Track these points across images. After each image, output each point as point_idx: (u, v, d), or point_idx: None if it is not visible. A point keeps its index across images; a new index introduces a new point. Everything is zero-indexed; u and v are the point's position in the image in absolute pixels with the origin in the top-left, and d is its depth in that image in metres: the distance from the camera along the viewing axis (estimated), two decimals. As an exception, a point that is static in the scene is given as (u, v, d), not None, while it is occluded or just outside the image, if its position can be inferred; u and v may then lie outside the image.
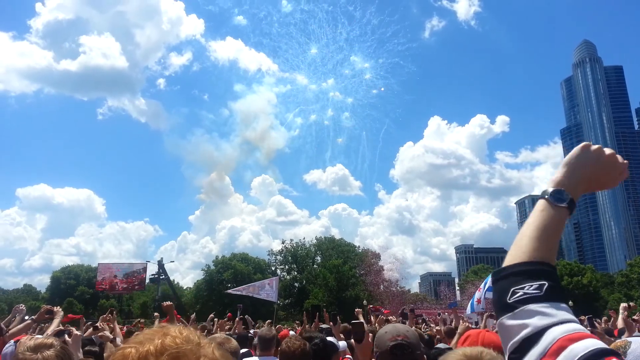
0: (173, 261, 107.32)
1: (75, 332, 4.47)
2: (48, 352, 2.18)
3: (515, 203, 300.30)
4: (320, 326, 8.37)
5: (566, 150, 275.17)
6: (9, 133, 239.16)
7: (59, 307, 5.49)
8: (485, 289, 15.65)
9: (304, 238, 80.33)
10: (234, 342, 3.40)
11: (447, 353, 1.58)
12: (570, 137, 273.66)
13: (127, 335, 8.50)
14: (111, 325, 6.49)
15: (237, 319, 12.82)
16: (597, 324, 8.78)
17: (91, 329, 7.51)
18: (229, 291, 26.67)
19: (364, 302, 50.36)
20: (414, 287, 75.01)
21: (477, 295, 16.42)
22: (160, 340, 1.00)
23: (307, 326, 9.42)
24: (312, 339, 4.39)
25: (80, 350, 4.39)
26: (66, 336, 4.11)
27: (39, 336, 3.83)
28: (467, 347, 1.57)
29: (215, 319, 13.81)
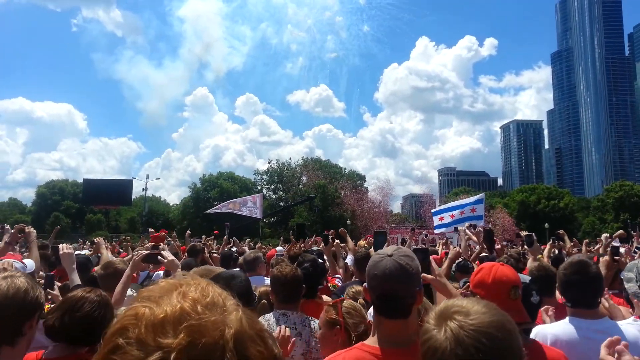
0: (159, 178, 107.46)
1: (65, 249, 4.34)
2: (16, 278, 2.15)
3: (500, 127, 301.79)
4: (312, 248, 8.56)
5: (555, 75, 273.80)
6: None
7: (30, 226, 5.12)
8: (454, 220, 15.65)
9: (290, 158, 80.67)
10: (242, 277, 3.38)
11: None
12: (560, 61, 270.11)
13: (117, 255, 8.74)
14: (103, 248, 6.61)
15: (224, 237, 13.10)
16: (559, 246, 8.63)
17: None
18: (210, 211, 26.60)
19: (347, 221, 51.67)
20: (396, 208, 76.90)
21: (449, 212, 16.40)
22: (179, 304, 0.84)
23: (297, 245, 9.64)
24: (302, 262, 4.52)
25: (75, 266, 4.28)
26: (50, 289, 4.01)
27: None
28: (453, 300, 1.59)
29: (204, 236, 14.15)
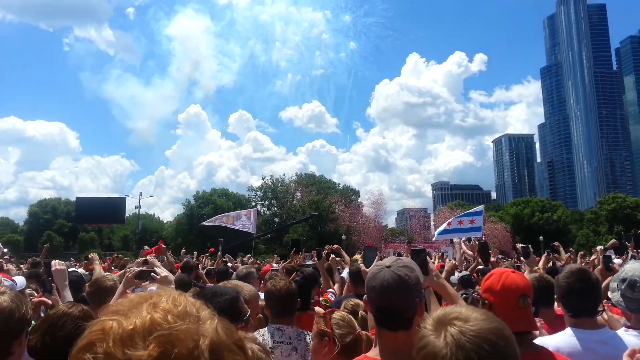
0: (152, 195, 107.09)
1: (58, 265, 4.29)
2: (1, 297, 2.09)
3: (492, 142, 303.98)
4: (306, 262, 8.54)
5: (545, 89, 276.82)
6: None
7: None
8: (451, 228, 15.80)
9: (284, 174, 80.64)
10: (248, 287, 3.33)
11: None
12: (550, 76, 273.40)
13: (118, 268, 8.64)
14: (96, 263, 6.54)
15: (218, 253, 13.01)
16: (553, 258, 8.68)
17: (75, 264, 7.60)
18: (204, 223, 26.51)
19: (342, 236, 51.55)
20: (391, 222, 76.91)
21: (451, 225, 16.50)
22: (149, 315, 0.79)
23: (292, 261, 9.60)
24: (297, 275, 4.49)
25: (67, 283, 4.22)
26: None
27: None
28: (451, 307, 1.56)
29: (195, 252, 14.04)
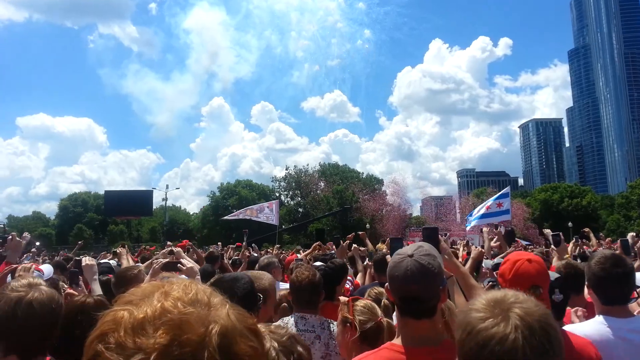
0: (178, 188, 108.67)
1: (87, 261, 4.39)
2: (45, 289, 2.13)
3: (518, 127, 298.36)
4: (328, 251, 8.55)
5: (573, 72, 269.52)
6: (2, 62, 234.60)
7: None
8: (480, 215, 15.67)
9: (307, 164, 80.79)
10: (267, 276, 3.38)
11: (474, 299, 1.49)
12: (577, 58, 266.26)
13: (142, 261, 8.82)
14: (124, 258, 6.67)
15: (243, 243, 13.12)
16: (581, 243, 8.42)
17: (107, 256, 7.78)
18: (226, 217, 26.63)
19: (367, 225, 51.45)
20: (415, 211, 76.31)
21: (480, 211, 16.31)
22: (159, 303, 0.80)
23: (314, 250, 9.63)
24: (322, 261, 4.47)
25: (97, 277, 4.33)
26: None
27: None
28: (494, 291, 1.50)
29: (220, 243, 14.19)
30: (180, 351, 0.73)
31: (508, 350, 1.25)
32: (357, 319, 2.83)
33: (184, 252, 5.51)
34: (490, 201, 15.80)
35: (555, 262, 5.92)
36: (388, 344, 2.14)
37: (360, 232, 8.54)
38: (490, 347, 1.27)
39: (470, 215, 17.23)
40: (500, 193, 16.47)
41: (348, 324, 2.83)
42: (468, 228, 17.36)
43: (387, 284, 2.13)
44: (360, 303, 2.97)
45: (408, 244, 2.57)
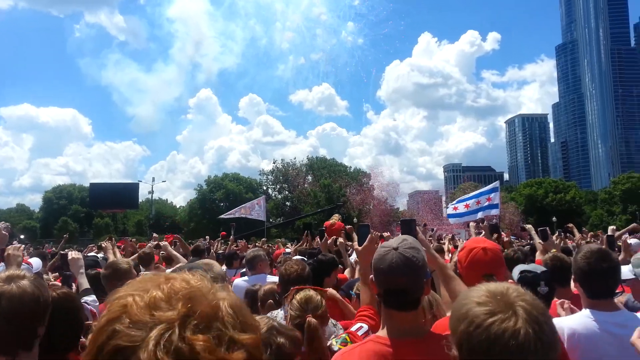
0: (164, 181, 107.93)
1: (73, 255, 4.34)
2: (24, 282, 2.06)
3: (505, 122, 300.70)
4: (317, 246, 8.55)
5: (560, 68, 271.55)
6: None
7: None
8: (469, 210, 15.61)
9: (294, 158, 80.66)
10: (217, 266, 3.36)
11: (471, 288, 1.49)
12: (565, 54, 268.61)
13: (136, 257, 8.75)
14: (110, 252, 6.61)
15: (231, 237, 13.07)
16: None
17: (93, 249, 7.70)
18: (222, 216, 26.80)
19: (354, 219, 51.56)
20: (402, 205, 76.51)
21: (464, 202, 16.20)
22: (168, 284, 0.82)
23: (304, 244, 9.62)
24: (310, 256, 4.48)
25: (83, 271, 4.27)
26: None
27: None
28: (492, 283, 1.50)
29: (208, 237, 14.13)
30: (200, 318, 0.76)
31: (521, 344, 1.25)
32: (290, 312, 2.86)
33: (171, 246, 5.50)
34: (480, 196, 15.77)
35: (538, 256, 5.99)
36: (373, 336, 2.17)
37: (348, 227, 8.52)
38: (502, 342, 1.26)
39: (454, 204, 17.04)
40: (489, 188, 16.45)
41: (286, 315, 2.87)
42: (453, 221, 17.25)
43: (371, 276, 2.16)
44: (299, 296, 2.93)
45: (388, 235, 2.59)
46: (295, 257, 5.55)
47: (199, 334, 0.75)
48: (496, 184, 16.65)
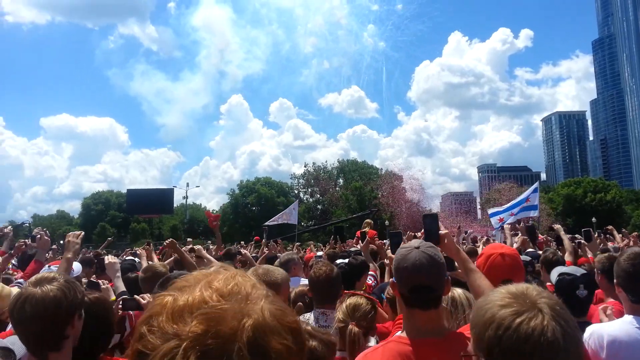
0: (198, 186, 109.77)
1: (110, 259, 4.48)
2: (49, 286, 2.16)
3: (541, 120, 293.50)
4: (349, 249, 8.54)
5: (597, 63, 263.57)
6: (26, 64, 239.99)
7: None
8: (519, 209, 15.20)
9: (325, 161, 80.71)
10: (278, 272, 3.40)
11: (489, 293, 1.48)
12: (602, 49, 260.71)
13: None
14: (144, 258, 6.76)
15: (263, 240, 13.16)
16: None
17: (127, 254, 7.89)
18: (267, 224, 27.16)
19: (386, 222, 51.24)
20: (435, 207, 75.42)
21: (507, 210, 15.78)
22: (199, 293, 0.82)
23: (333, 247, 9.62)
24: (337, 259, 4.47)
25: (119, 275, 4.38)
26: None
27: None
28: (510, 285, 1.49)
29: (242, 242, 14.27)
30: (213, 342, 0.75)
31: (551, 341, 1.27)
32: (336, 316, 2.90)
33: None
34: (522, 202, 15.36)
35: (567, 257, 5.81)
36: (395, 336, 2.20)
37: (365, 220, 8.51)
38: (533, 340, 1.28)
39: (497, 214, 16.57)
40: (528, 191, 16.04)
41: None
42: (498, 226, 16.69)
43: (391, 278, 2.24)
44: (349, 301, 2.99)
45: (421, 235, 2.61)
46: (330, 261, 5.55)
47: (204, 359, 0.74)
48: (536, 185, 16.24)
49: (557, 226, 7.13)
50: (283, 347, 0.79)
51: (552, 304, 1.34)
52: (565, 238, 6.65)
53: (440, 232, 2.66)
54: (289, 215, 22.44)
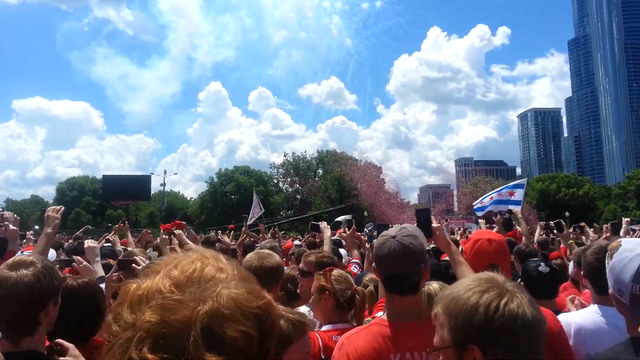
0: (176, 173, 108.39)
1: (90, 243, 4.42)
2: (24, 271, 2.10)
3: (517, 116, 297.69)
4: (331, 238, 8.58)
5: (572, 62, 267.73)
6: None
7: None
8: (492, 201, 15.41)
9: (305, 151, 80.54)
10: (276, 257, 3.46)
11: (461, 284, 1.49)
12: (577, 48, 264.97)
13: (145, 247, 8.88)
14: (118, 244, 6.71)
15: (243, 228, 13.17)
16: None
17: (103, 240, 7.83)
18: (249, 222, 27.08)
19: (364, 212, 51.54)
20: (413, 199, 76.30)
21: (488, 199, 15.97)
22: (158, 280, 0.81)
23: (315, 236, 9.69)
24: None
25: (99, 259, 4.38)
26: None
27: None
28: (479, 273, 1.56)
29: (219, 232, 14.23)
30: (167, 331, 0.74)
31: (534, 317, 1.35)
32: (335, 287, 3.03)
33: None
34: (503, 190, 15.54)
35: (524, 240, 6.07)
36: (377, 319, 2.31)
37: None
38: (520, 317, 1.34)
39: (480, 204, 16.76)
40: (515, 183, 16.18)
41: (327, 292, 3.02)
42: (480, 214, 16.90)
43: (373, 264, 2.33)
44: (336, 272, 3.16)
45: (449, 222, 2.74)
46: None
47: (157, 351, 0.73)
48: (523, 181, 16.34)
49: (516, 209, 7.45)
50: (239, 333, 0.76)
51: (517, 287, 1.43)
52: (522, 222, 7.19)
53: (432, 225, 2.77)
54: (258, 208, 22.54)
